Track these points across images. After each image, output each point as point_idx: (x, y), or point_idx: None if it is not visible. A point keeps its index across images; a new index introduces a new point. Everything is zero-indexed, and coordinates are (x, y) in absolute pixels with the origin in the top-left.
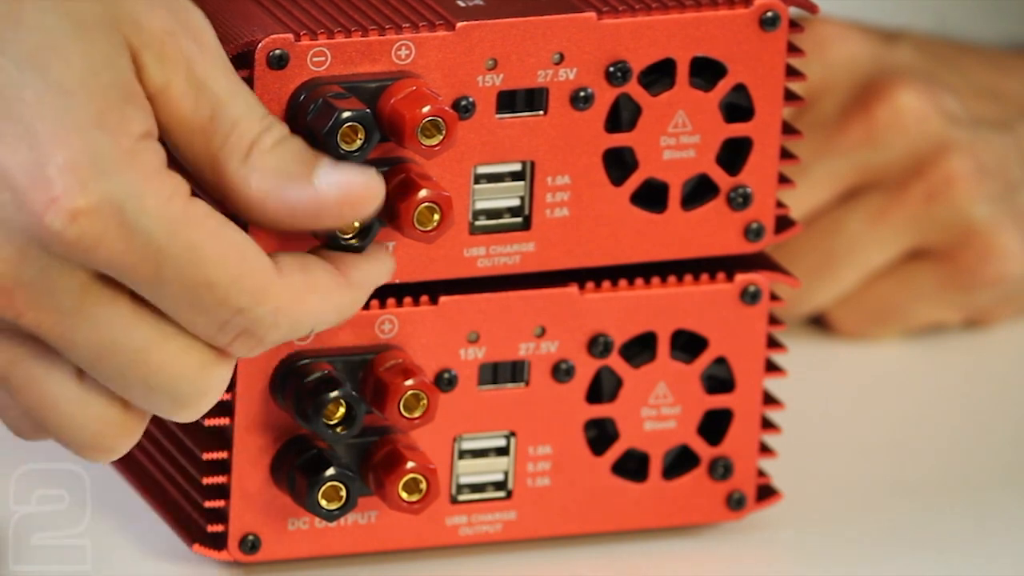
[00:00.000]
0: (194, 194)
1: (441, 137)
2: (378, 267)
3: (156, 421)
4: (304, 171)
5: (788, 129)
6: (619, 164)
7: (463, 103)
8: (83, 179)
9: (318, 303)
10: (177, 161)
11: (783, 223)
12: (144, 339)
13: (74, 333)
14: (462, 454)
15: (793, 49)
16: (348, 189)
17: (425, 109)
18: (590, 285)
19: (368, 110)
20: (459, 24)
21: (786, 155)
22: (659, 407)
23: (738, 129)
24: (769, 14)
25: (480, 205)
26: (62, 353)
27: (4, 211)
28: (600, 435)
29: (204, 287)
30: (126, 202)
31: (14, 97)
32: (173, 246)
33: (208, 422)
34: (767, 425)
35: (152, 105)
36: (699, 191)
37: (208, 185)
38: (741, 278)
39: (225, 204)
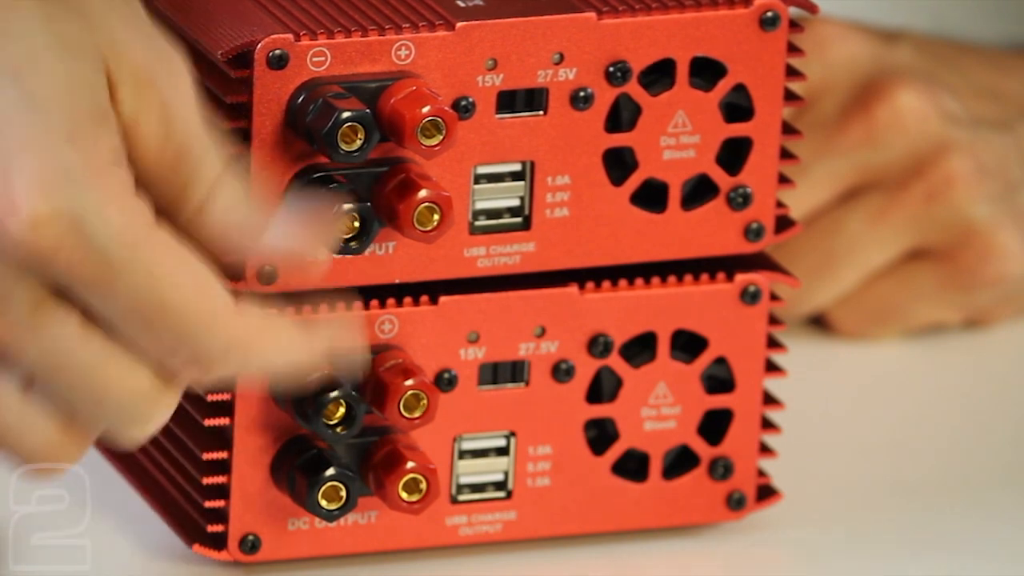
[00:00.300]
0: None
1: (441, 137)
2: (340, 331)
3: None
4: (254, 230)
5: (788, 129)
6: (619, 164)
7: (463, 103)
8: (47, 189)
9: (271, 346)
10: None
11: (783, 223)
12: (93, 356)
13: (25, 344)
14: (462, 454)
15: (793, 49)
16: (291, 253)
17: (425, 109)
18: (590, 285)
19: (368, 110)
20: (459, 24)
21: (786, 155)
22: (659, 407)
23: (738, 129)
24: (769, 14)
25: (480, 205)
26: (12, 363)
27: None
28: (600, 435)
29: (157, 309)
30: (88, 216)
31: None
32: (131, 265)
33: (208, 422)
34: (767, 425)
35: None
36: (699, 191)
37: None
38: (741, 278)
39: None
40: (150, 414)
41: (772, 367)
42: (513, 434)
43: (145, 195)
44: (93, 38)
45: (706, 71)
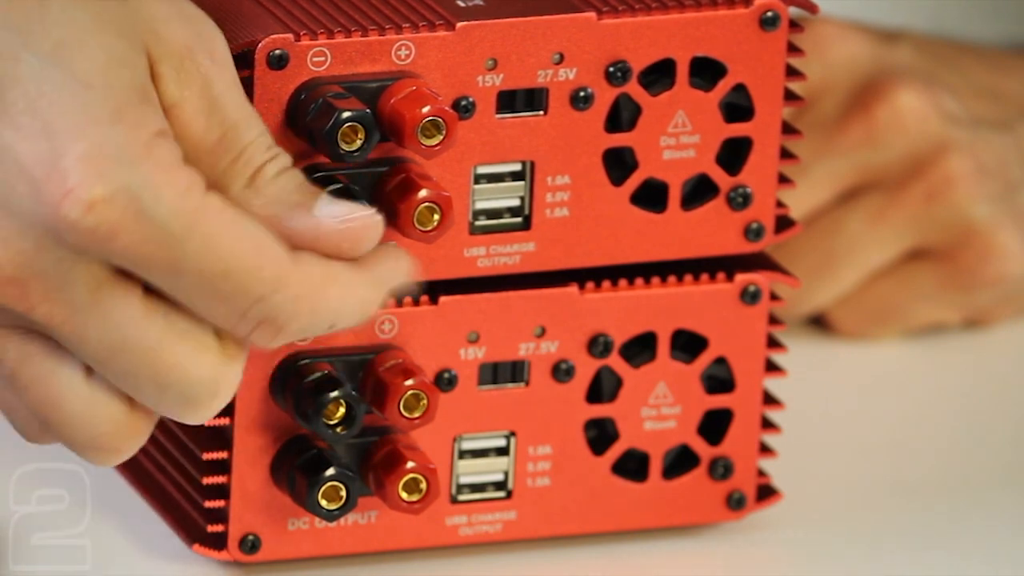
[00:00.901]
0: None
1: (441, 137)
2: (396, 265)
3: (156, 421)
4: (305, 201)
5: (788, 129)
6: (619, 164)
7: (463, 103)
8: (100, 170)
9: (338, 293)
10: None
11: (783, 223)
12: (156, 337)
13: (86, 329)
14: (462, 454)
15: (793, 49)
16: (348, 222)
17: (425, 109)
18: (590, 285)
19: (368, 110)
20: (459, 24)
21: (786, 155)
22: (659, 407)
23: (738, 129)
24: (769, 14)
25: (480, 205)
26: (73, 350)
27: (21, 202)
28: (600, 435)
29: (222, 276)
30: (142, 193)
31: (35, 89)
32: (190, 237)
33: (208, 422)
34: (767, 425)
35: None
36: (699, 191)
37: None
38: (741, 278)
39: None
40: (214, 393)
41: (772, 367)
42: (513, 434)
43: (193, 166)
44: (132, 17)
45: (706, 71)
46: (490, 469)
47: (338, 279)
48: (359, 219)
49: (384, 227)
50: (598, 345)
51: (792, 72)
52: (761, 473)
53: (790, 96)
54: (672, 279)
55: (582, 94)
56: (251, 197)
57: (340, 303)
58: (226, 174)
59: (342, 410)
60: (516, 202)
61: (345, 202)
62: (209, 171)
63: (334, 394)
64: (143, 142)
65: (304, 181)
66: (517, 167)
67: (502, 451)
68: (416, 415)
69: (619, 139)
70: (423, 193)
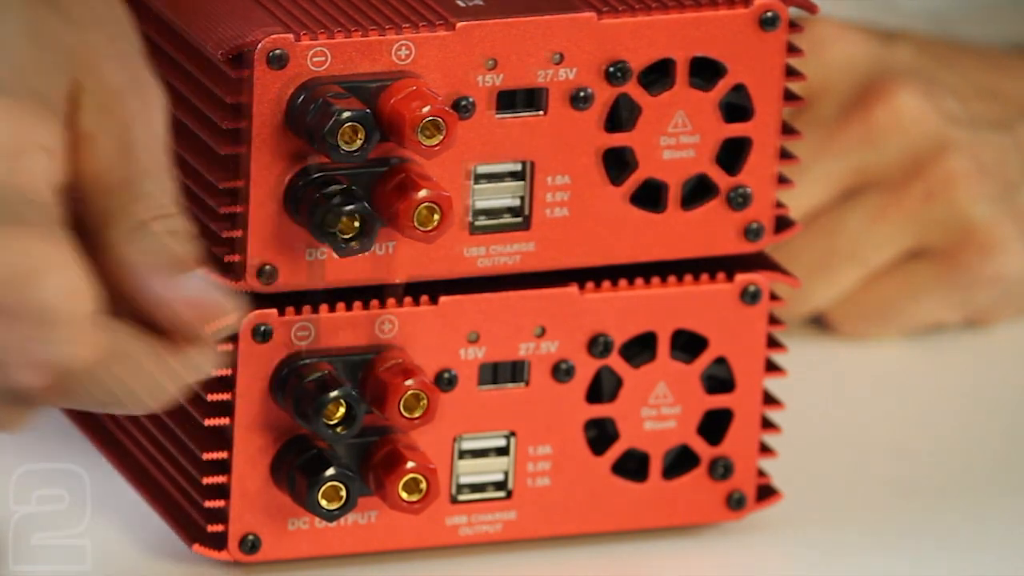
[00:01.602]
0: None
1: (441, 137)
2: (202, 359)
3: (156, 421)
4: (172, 271)
5: (787, 129)
6: (618, 164)
7: (462, 103)
8: None
9: (122, 372)
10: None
11: (783, 223)
12: None
13: None
14: (462, 454)
15: (792, 49)
16: (200, 303)
17: (425, 109)
18: (590, 285)
19: (368, 110)
20: (459, 24)
21: (785, 155)
22: (659, 407)
23: (737, 129)
24: (769, 14)
25: (480, 205)
26: None
27: None
28: (600, 435)
29: (18, 289)
30: (4, 190)
31: None
32: (11, 246)
33: (208, 422)
34: (767, 425)
35: (74, 145)
36: (698, 191)
37: (86, 230)
38: (741, 278)
39: (93, 256)
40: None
41: (772, 367)
42: (513, 434)
43: (86, 192)
44: (72, 40)
45: (705, 71)
46: (490, 469)
47: (128, 360)
48: (212, 304)
49: (237, 326)
50: (598, 345)
51: (791, 72)
52: (761, 473)
53: (789, 96)
54: (672, 279)
55: (581, 94)
56: (129, 241)
57: (123, 382)
58: (117, 211)
59: (342, 410)
60: (516, 202)
61: (214, 284)
62: (100, 202)
63: (334, 394)
64: (22, 147)
65: (184, 251)
66: (516, 167)
67: (502, 451)
68: (416, 415)
69: (618, 139)
70: (423, 193)
